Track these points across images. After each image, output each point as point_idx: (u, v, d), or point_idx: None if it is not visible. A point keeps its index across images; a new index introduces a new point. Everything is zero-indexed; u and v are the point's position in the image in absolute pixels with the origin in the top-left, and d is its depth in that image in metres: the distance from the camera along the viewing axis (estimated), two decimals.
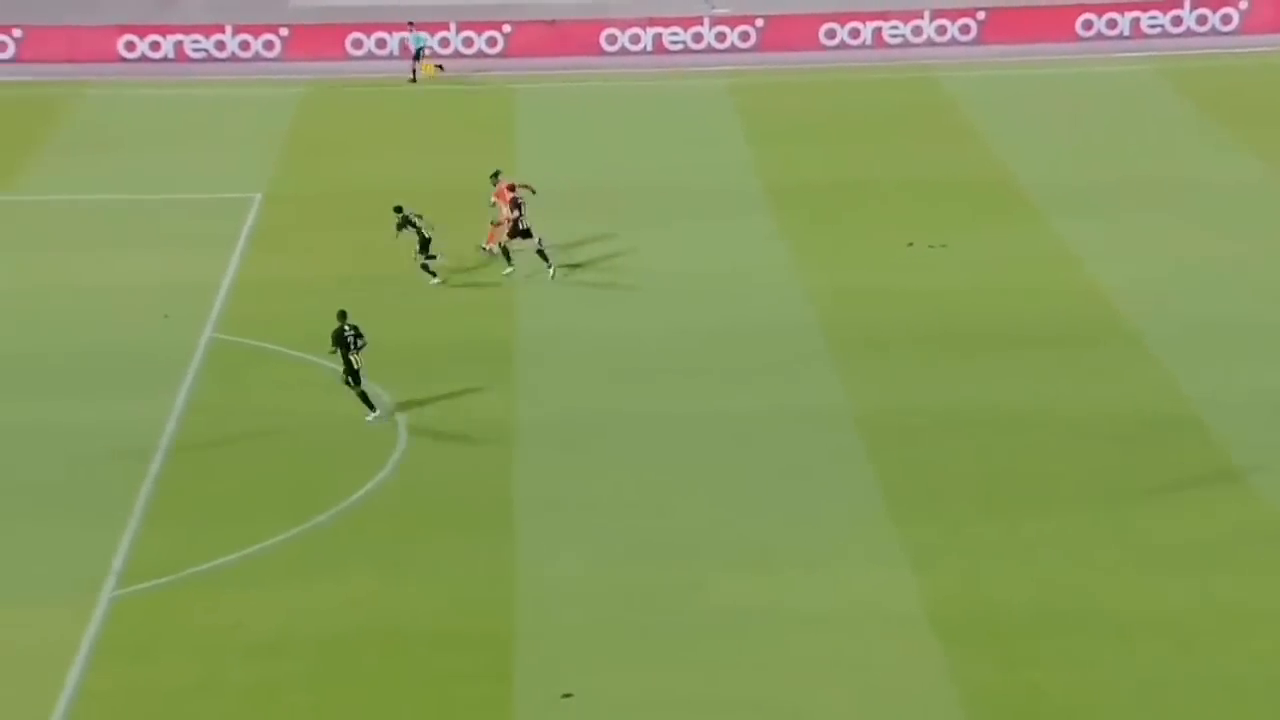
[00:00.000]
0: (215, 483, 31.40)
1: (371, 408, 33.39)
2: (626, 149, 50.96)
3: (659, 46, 60.99)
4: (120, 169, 48.14)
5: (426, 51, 57.82)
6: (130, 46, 59.34)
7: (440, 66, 58.06)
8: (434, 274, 40.18)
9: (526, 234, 40.32)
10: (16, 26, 58.93)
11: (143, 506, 30.44)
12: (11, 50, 58.75)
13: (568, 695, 25.34)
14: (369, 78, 58.54)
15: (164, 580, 28.11)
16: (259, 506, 30.48)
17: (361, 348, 33.22)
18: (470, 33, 60.76)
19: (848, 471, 31.78)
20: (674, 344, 37.02)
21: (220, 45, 59.57)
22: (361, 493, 30.98)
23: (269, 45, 59.88)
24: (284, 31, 60.09)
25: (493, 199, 41.64)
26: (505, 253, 40.72)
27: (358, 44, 60.30)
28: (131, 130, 52.58)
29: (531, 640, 26.72)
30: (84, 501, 30.59)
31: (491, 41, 60.73)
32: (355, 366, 33.15)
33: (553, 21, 61.46)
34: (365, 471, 31.65)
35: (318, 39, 59.98)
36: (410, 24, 58.39)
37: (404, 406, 34.15)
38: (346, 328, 33.28)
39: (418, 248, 40.01)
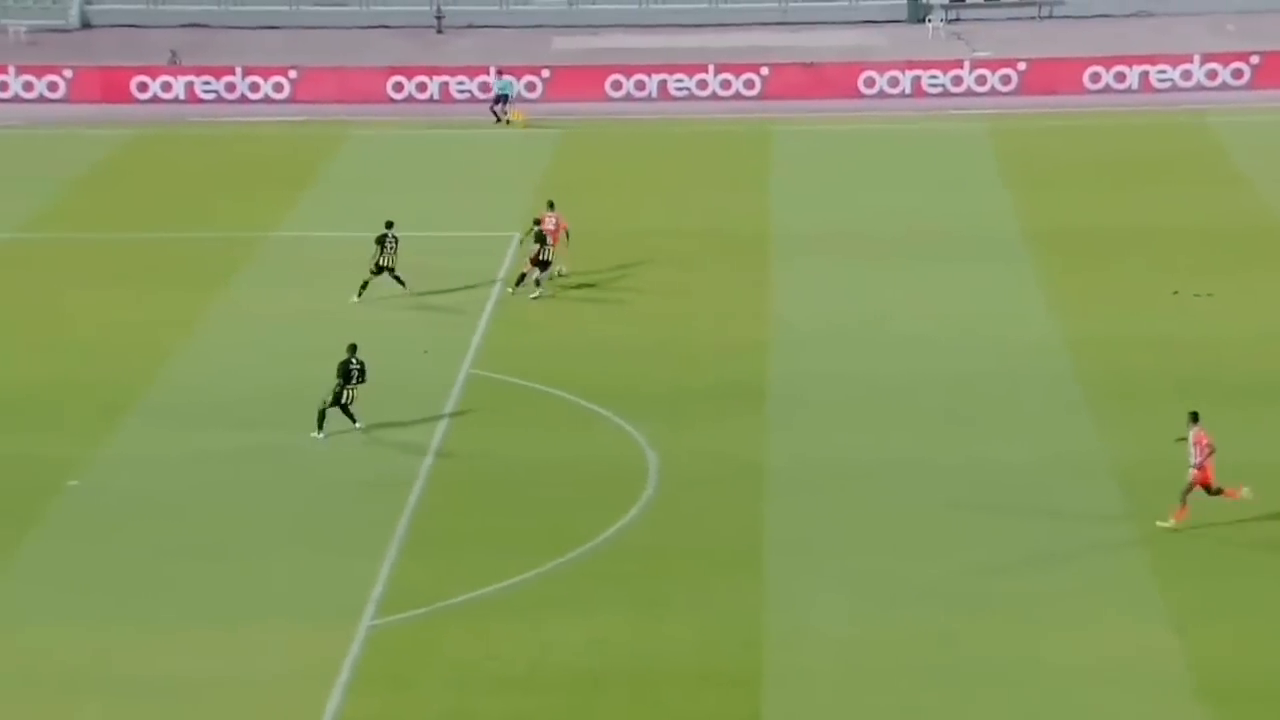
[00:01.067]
0: (470, 516, 31.79)
1: (320, 428, 34.41)
2: (883, 192, 50.65)
3: (918, 90, 60.61)
4: (384, 207, 49.12)
5: (512, 97, 58.28)
6: (398, 87, 60.85)
7: (511, 120, 58.06)
8: (361, 290, 41.71)
9: (545, 265, 41.81)
10: (292, 68, 60.79)
11: (400, 537, 30.92)
12: (287, 90, 60.63)
13: None
14: (627, 119, 59.15)
15: (420, 611, 28.47)
16: (512, 541, 30.74)
17: (359, 383, 34.45)
18: (728, 75, 61.08)
19: (1106, 525, 31.05)
20: (927, 389, 36.58)
21: (484, 86, 60.70)
22: (612, 530, 31.10)
23: (531, 86, 60.87)
24: (545, 73, 61.07)
25: (537, 226, 42.44)
26: (522, 277, 42.01)
27: (617, 85, 61.01)
28: (395, 169, 53.83)
29: (781, 684, 26.51)
30: (344, 530, 31.16)
31: (749, 84, 60.96)
32: (344, 399, 34.38)
33: (811, 64, 61.46)
34: (616, 509, 31.78)
35: (578, 80, 60.85)
36: (500, 71, 59.22)
37: (655, 445, 34.28)
38: (353, 361, 34.53)
39: (373, 266, 41.41)
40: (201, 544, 30.81)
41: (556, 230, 42.57)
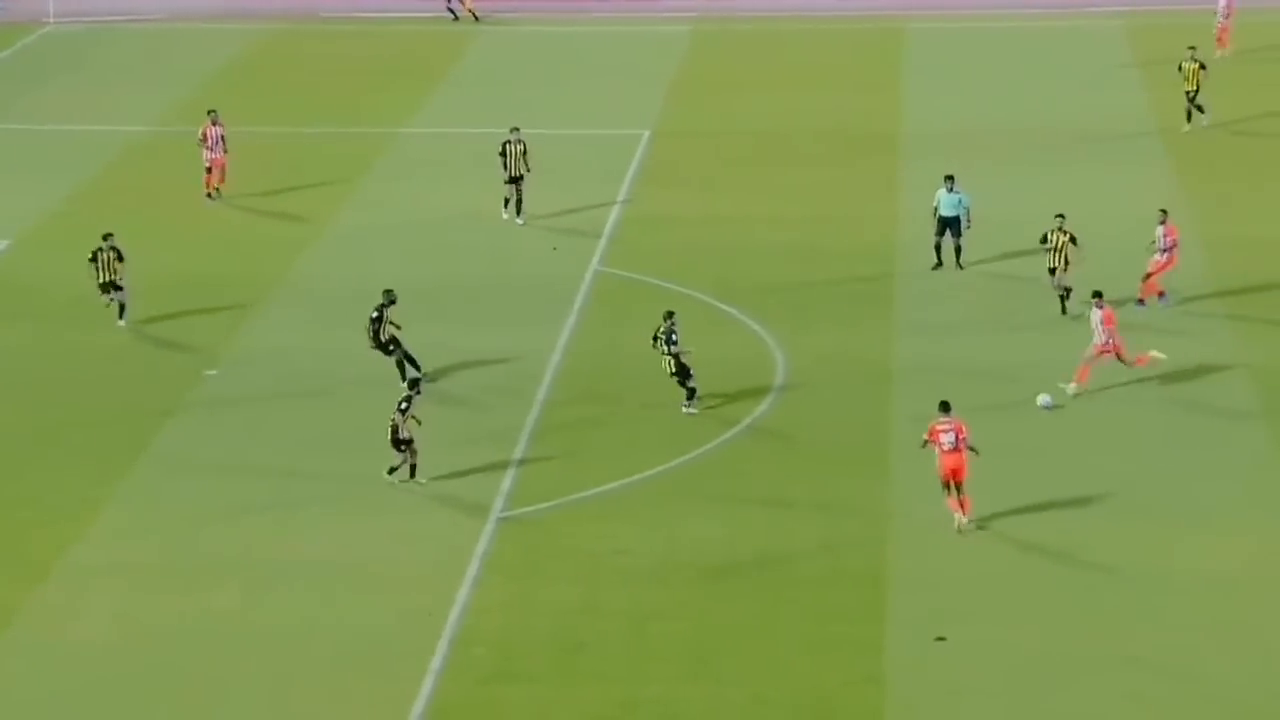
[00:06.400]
0: (597, 413, 31.97)
1: (691, 397, 31.75)
2: (1016, 90, 50.04)
3: None
4: (515, 103, 49.20)
5: None
6: None
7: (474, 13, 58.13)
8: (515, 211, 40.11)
9: None
10: None
11: (529, 432, 31.23)
12: None
13: (941, 639, 25.22)
14: (757, 15, 58.77)
15: (549, 504, 28.81)
16: (639, 438, 30.96)
17: (676, 352, 31.53)
18: None
19: (1241, 428, 30.74)
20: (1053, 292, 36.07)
21: None
22: (740, 428, 31.25)
23: None
24: None
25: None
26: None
27: None
28: (527, 65, 53.89)
29: (905, 583, 26.62)
30: (475, 425, 31.45)
31: None
32: (681, 365, 31.52)
33: None
34: (745, 406, 31.92)
35: None
36: None
37: (784, 345, 34.29)
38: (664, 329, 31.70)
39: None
40: (336, 436, 31.26)
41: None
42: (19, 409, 32.36)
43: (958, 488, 27.77)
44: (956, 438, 27.72)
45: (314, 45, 56.24)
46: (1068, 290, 34.79)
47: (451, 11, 58.27)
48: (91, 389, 33.05)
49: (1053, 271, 34.93)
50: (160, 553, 27.70)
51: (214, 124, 41.87)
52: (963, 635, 25.20)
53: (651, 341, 31.98)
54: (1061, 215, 35.03)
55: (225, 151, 41.82)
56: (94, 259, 35.20)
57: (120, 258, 35.25)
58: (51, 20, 57.82)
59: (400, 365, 32.84)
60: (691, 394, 31.83)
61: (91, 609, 26.18)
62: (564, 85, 51.44)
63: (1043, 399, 31.31)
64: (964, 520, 27.80)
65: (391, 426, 29.24)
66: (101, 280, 35.27)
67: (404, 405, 29.29)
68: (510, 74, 52.85)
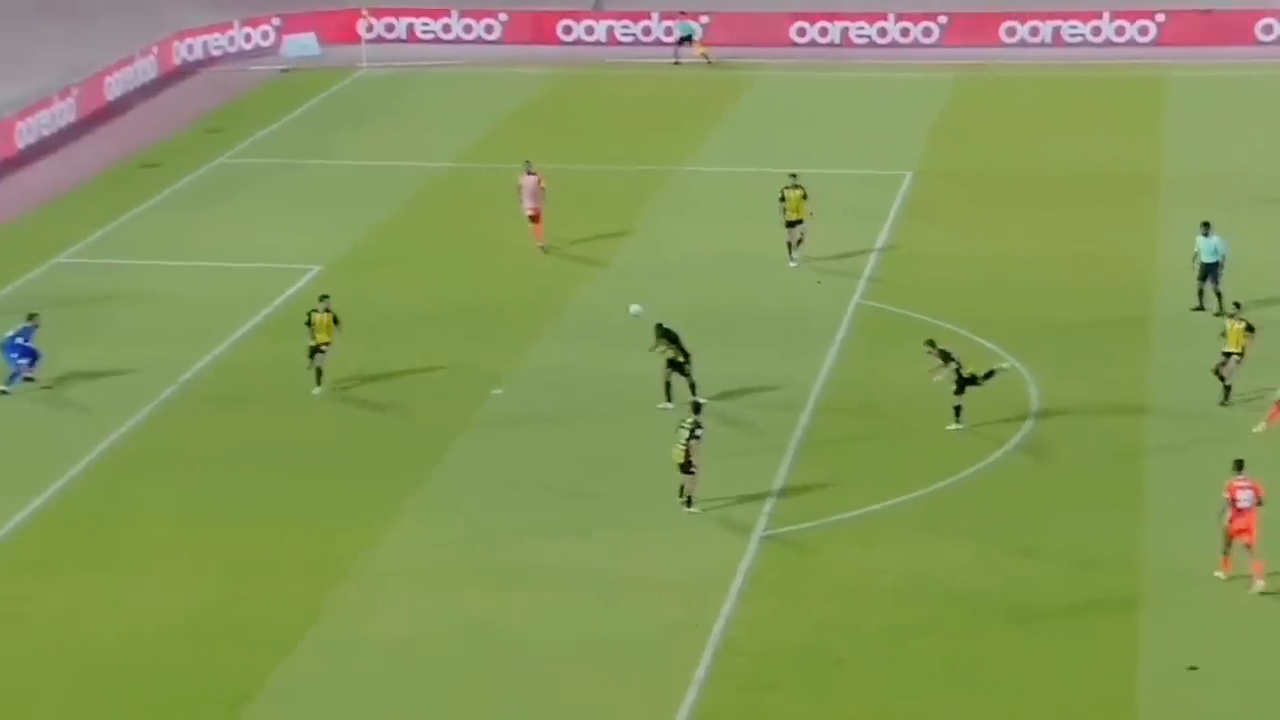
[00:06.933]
0: (859, 438, 33.09)
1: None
2: (1275, 137, 50.20)
3: None
4: (785, 144, 50.62)
5: (696, 38, 59.60)
6: (801, 32, 62.52)
7: (706, 56, 59.48)
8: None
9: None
10: (704, 13, 62.74)
11: (793, 455, 32.51)
12: (699, 34, 62.87)
13: (1193, 668, 25.72)
14: (1020, 63, 59.65)
15: (810, 525, 30.01)
16: (898, 462, 31.97)
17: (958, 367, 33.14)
18: (1123, 21, 61.13)
19: None
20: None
21: (882, 32, 62.02)
22: (996, 456, 32.14)
23: (927, 32, 61.91)
24: (942, 19, 61.98)
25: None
26: None
27: (1011, 31, 61.60)
28: (798, 109, 55.47)
29: (1157, 611, 27.18)
30: (740, 447, 32.70)
31: (1144, 30, 60.90)
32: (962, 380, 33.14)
33: (1208, 11, 61.00)
34: (1001, 435, 32.80)
35: (974, 26, 61.56)
36: (681, 12, 60.40)
37: (1040, 378, 35.09)
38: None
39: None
40: (611, 455, 32.80)
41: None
42: (324, 422, 34.49)
43: (1247, 548, 27.29)
44: (1254, 495, 27.37)
45: (598, 89, 58.33)
46: (1226, 383, 33.45)
47: (697, 51, 59.71)
48: (389, 404, 35.09)
49: (1227, 356, 33.49)
50: (448, 560, 29.38)
51: (528, 174, 42.46)
52: (1215, 665, 25.68)
53: (942, 359, 33.01)
54: (1237, 304, 34.47)
55: (538, 200, 42.07)
56: (309, 322, 35.11)
57: (335, 320, 35.00)
58: (364, 66, 60.92)
59: (667, 385, 34.39)
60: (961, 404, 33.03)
61: (387, 609, 27.93)
62: (832, 128, 52.58)
63: (634, 309, 33.64)
64: (1259, 584, 27.23)
65: (684, 452, 30.39)
66: (314, 342, 35.05)
67: (697, 432, 30.33)
68: (781, 117, 54.35)
